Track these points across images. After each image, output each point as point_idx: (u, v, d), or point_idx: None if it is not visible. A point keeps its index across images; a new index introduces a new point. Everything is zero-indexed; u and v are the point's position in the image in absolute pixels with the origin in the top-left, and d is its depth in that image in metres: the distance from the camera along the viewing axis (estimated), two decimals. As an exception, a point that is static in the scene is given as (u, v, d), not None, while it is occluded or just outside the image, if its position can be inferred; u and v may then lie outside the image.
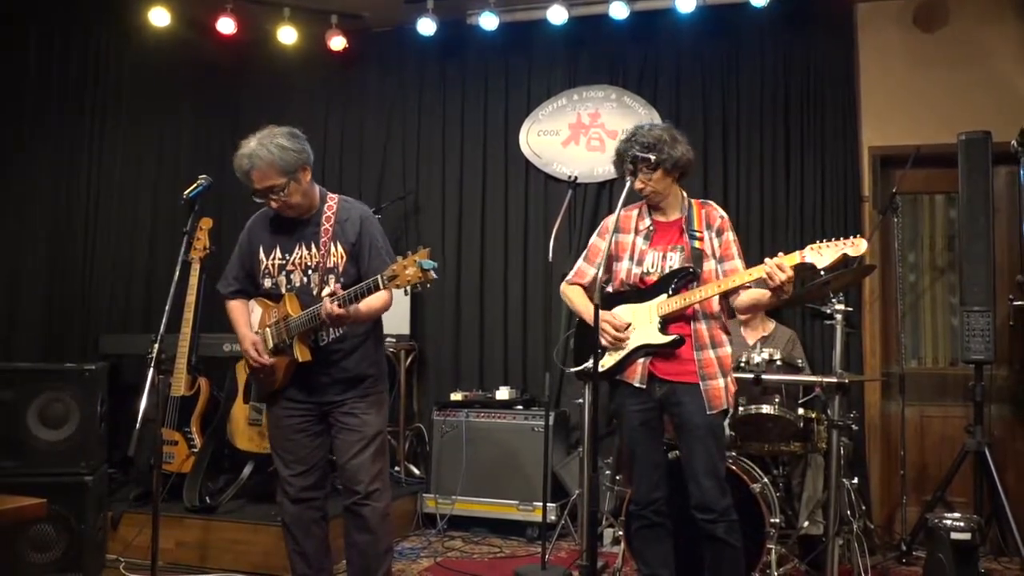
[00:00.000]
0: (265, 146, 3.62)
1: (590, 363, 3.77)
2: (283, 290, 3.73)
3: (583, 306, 3.85)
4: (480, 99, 6.71)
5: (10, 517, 3.28)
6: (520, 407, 5.90)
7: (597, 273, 3.54)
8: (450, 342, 6.61)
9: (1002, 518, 5.02)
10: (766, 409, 4.45)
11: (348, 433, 3.71)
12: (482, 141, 6.69)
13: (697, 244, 3.67)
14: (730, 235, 3.73)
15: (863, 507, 4.94)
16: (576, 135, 6.47)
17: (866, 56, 5.96)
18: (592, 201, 6.39)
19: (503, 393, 6.02)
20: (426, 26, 6.32)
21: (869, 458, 5.75)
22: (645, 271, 3.72)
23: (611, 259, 3.82)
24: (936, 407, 5.88)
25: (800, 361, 4.96)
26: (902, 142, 5.73)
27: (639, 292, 3.71)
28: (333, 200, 3.81)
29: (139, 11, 6.30)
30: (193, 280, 5.37)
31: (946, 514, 4.45)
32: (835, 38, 6.00)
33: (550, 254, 5.22)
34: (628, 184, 3.50)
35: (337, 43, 6.58)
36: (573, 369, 3.92)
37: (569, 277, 3.97)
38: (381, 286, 3.40)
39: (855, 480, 4.80)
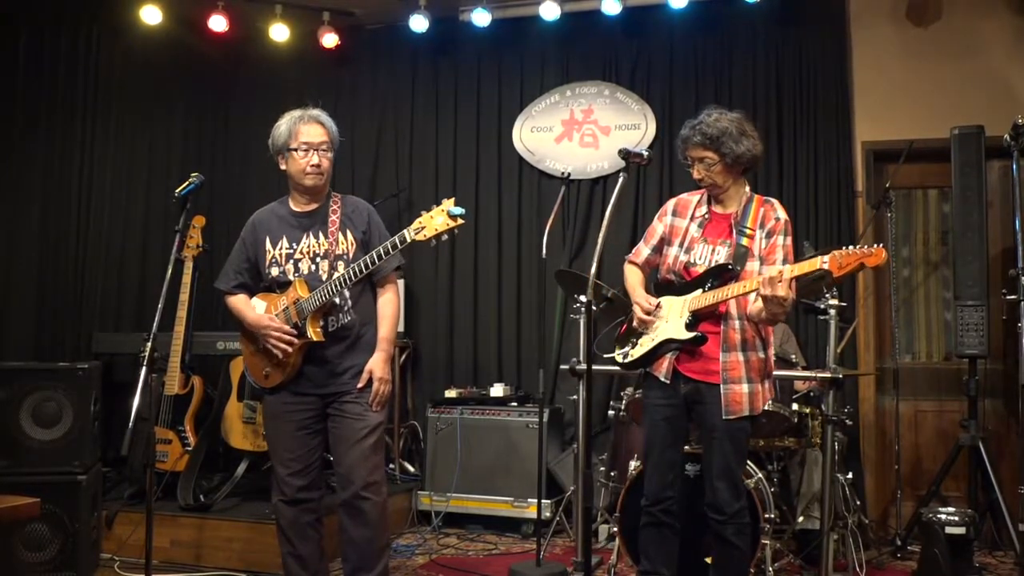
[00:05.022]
0: (324, 114, 3.87)
1: (619, 352, 3.78)
2: (291, 277, 3.74)
3: (630, 285, 3.84)
4: (473, 96, 6.70)
5: (4, 516, 3.28)
6: (515, 404, 5.89)
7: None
8: (444, 339, 6.61)
9: (996, 512, 5.02)
10: (760, 404, 4.45)
11: (351, 422, 3.70)
12: (475, 138, 6.68)
13: (745, 241, 3.56)
14: (780, 239, 3.58)
15: (858, 502, 4.94)
16: (569, 131, 6.46)
17: (859, 50, 5.97)
18: (585, 197, 6.39)
19: (497, 390, 6.01)
20: (418, 23, 6.31)
21: (864, 453, 5.76)
22: (691, 261, 3.64)
23: (664, 242, 3.79)
24: (930, 402, 5.89)
25: (794, 356, 4.97)
26: (895, 137, 5.73)
27: (683, 284, 3.64)
28: (337, 195, 3.91)
29: (130, 9, 6.29)
30: (186, 278, 5.37)
31: (941, 508, 4.46)
32: (828, 32, 6.00)
33: (544, 250, 5.22)
34: (621, 180, 3.45)
35: (329, 40, 6.57)
36: (606, 356, 3.90)
37: (629, 255, 3.95)
38: (408, 239, 3.53)
39: (850, 475, 4.80)
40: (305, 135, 3.76)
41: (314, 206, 3.85)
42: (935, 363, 5.98)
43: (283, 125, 3.80)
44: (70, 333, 6.22)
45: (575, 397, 5.10)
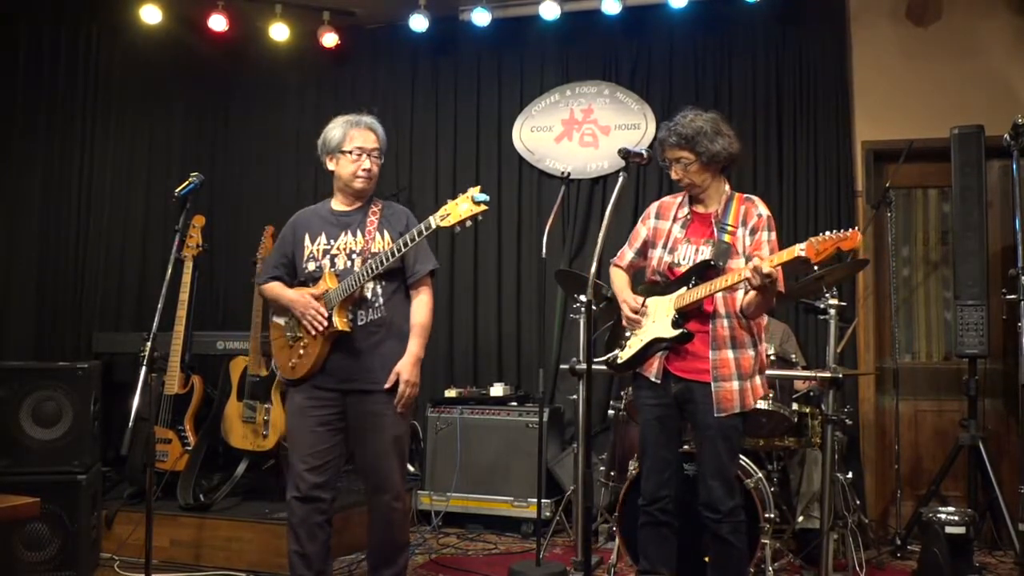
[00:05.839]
0: (377, 121, 3.99)
1: (610, 355, 3.80)
2: (325, 271, 3.79)
3: (616, 287, 3.88)
4: (473, 95, 6.70)
5: (3, 516, 3.27)
6: (515, 403, 5.90)
7: (592, 268, 3.51)
8: (444, 339, 6.60)
9: (996, 512, 5.03)
10: (760, 405, 4.41)
11: (380, 433, 3.75)
12: (475, 137, 6.68)
13: (726, 238, 3.59)
14: (764, 235, 3.60)
15: (858, 502, 4.94)
16: (569, 131, 6.46)
17: (859, 50, 5.97)
18: (585, 197, 6.39)
19: (497, 390, 6.01)
20: (418, 22, 6.31)
21: (863, 453, 5.76)
22: (675, 261, 3.68)
23: (648, 245, 3.82)
24: (930, 401, 5.88)
25: (794, 356, 4.96)
26: (895, 136, 5.73)
27: (668, 284, 3.67)
28: (379, 200, 4.00)
29: (130, 8, 6.29)
30: (186, 278, 5.37)
31: (940, 508, 4.47)
32: (828, 32, 6.00)
33: (543, 250, 5.22)
34: (621, 180, 3.47)
35: (329, 40, 6.57)
36: (597, 359, 3.92)
37: (614, 259, 3.98)
38: (434, 225, 3.56)
39: (850, 475, 4.80)
40: (359, 140, 3.85)
41: (356, 207, 3.92)
42: (935, 363, 5.97)
43: (337, 128, 3.89)
44: (70, 333, 6.22)
45: (575, 397, 5.10)
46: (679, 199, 3.83)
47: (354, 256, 3.80)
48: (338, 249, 3.83)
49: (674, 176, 3.70)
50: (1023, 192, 4.95)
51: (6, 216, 6.06)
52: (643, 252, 3.86)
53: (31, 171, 6.14)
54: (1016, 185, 4.99)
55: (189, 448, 5.30)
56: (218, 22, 6.40)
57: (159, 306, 3.82)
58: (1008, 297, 4.92)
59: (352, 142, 3.84)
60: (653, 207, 3.88)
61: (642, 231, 3.86)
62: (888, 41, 5.93)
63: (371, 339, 3.77)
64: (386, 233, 3.85)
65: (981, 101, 5.59)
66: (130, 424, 3.77)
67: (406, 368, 3.77)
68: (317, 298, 3.72)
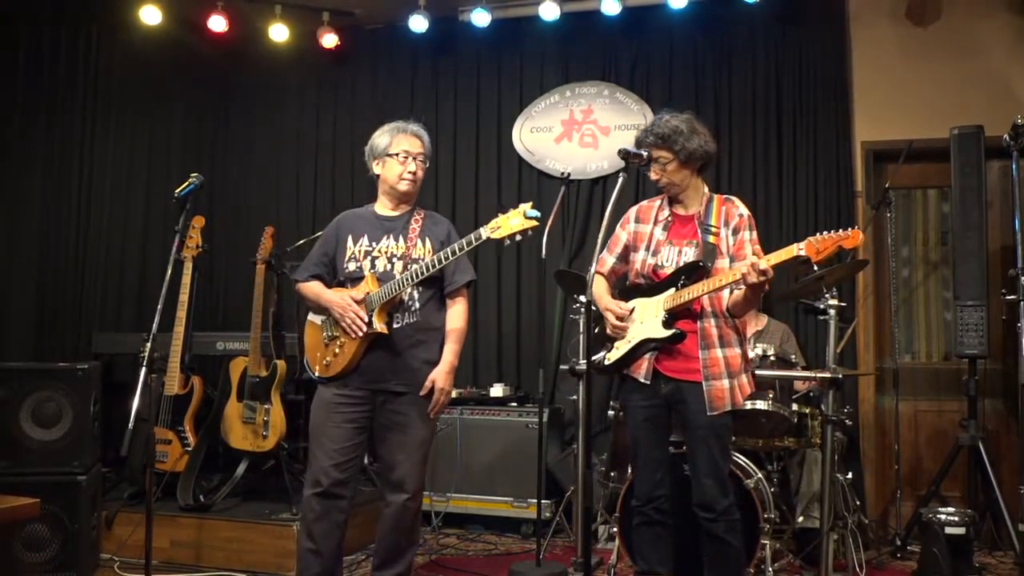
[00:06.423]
0: (423, 129, 4.13)
1: (597, 356, 3.80)
2: (365, 273, 3.83)
3: (596, 293, 3.87)
4: (472, 96, 6.70)
5: (3, 517, 3.26)
6: (514, 404, 5.90)
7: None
8: (444, 339, 6.59)
9: (996, 512, 5.03)
10: (760, 405, 4.44)
11: (406, 434, 3.80)
12: (475, 138, 6.68)
13: (711, 239, 3.62)
14: (746, 235, 3.64)
15: (858, 502, 4.94)
16: (569, 131, 6.46)
17: (859, 50, 5.97)
18: (585, 197, 6.39)
19: (497, 390, 6.01)
20: (418, 23, 6.32)
21: (863, 453, 5.76)
22: (659, 264, 3.70)
23: (629, 249, 3.83)
24: (930, 402, 5.88)
25: (793, 356, 4.96)
26: (895, 136, 5.73)
27: (653, 286, 3.69)
28: (423, 209, 4.06)
29: (130, 9, 6.29)
30: (185, 279, 5.36)
31: (940, 508, 4.47)
32: (828, 32, 6.00)
33: (543, 251, 5.22)
34: (620, 180, 3.48)
35: (329, 40, 6.58)
36: (585, 361, 3.93)
37: (595, 266, 3.97)
38: (484, 236, 3.60)
39: (849, 475, 4.80)
40: (405, 144, 3.96)
41: (400, 212, 3.98)
42: (935, 363, 5.97)
43: (385, 134, 4.00)
44: (70, 333, 6.22)
45: (575, 397, 5.10)
46: (658, 202, 3.85)
47: (395, 260, 3.86)
48: (379, 252, 3.89)
49: (653, 177, 3.72)
50: (1023, 192, 4.96)
51: (6, 216, 6.06)
52: (624, 257, 3.87)
53: (31, 171, 6.14)
54: (1016, 185, 4.99)
55: (189, 449, 5.30)
56: (218, 23, 6.41)
57: (159, 307, 3.83)
58: (1008, 297, 4.92)
59: (398, 145, 3.94)
60: (632, 211, 3.90)
61: (622, 236, 3.87)
62: (888, 41, 5.93)
63: (406, 342, 3.82)
64: (427, 241, 3.91)
65: (981, 101, 5.59)
66: (130, 425, 3.78)
67: (441, 376, 3.82)
68: (358, 301, 3.75)
